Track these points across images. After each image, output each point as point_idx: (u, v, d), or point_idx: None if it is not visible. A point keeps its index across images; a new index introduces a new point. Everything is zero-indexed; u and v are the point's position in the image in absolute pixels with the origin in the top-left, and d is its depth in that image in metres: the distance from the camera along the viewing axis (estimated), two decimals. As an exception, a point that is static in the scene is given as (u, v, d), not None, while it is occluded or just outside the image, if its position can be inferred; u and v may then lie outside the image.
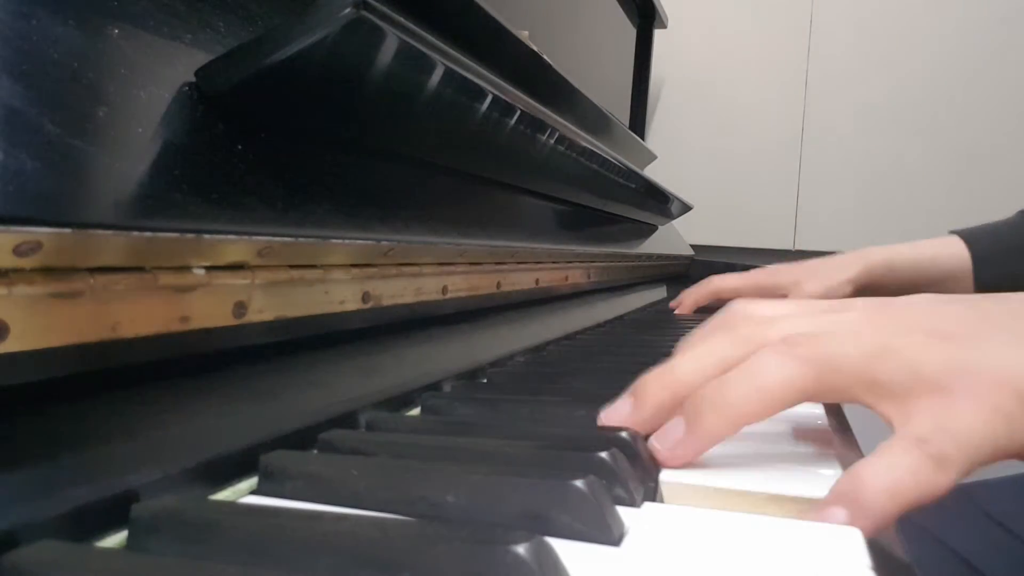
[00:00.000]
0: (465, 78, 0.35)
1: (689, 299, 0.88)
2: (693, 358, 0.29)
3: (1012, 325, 0.26)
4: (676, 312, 0.89)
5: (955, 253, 0.81)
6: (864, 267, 0.80)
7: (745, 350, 0.28)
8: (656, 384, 0.29)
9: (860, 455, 0.32)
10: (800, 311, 0.31)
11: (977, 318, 0.27)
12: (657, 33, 1.33)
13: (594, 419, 0.31)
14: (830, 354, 0.26)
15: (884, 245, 0.85)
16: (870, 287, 0.80)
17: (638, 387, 0.29)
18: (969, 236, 0.82)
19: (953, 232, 0.83)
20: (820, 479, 0.27)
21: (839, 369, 0.26)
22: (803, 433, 0.34)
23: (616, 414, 0.29)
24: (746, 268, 0.92)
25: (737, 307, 0.32)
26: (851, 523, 0.22)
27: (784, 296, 0.80)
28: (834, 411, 0.40)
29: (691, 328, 0.34)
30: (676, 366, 0.29)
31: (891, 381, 0.25)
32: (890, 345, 0.26)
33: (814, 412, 0.39)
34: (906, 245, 0.85)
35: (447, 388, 0.39)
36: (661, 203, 0.94)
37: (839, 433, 0.35)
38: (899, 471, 0.23)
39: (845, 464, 0.30)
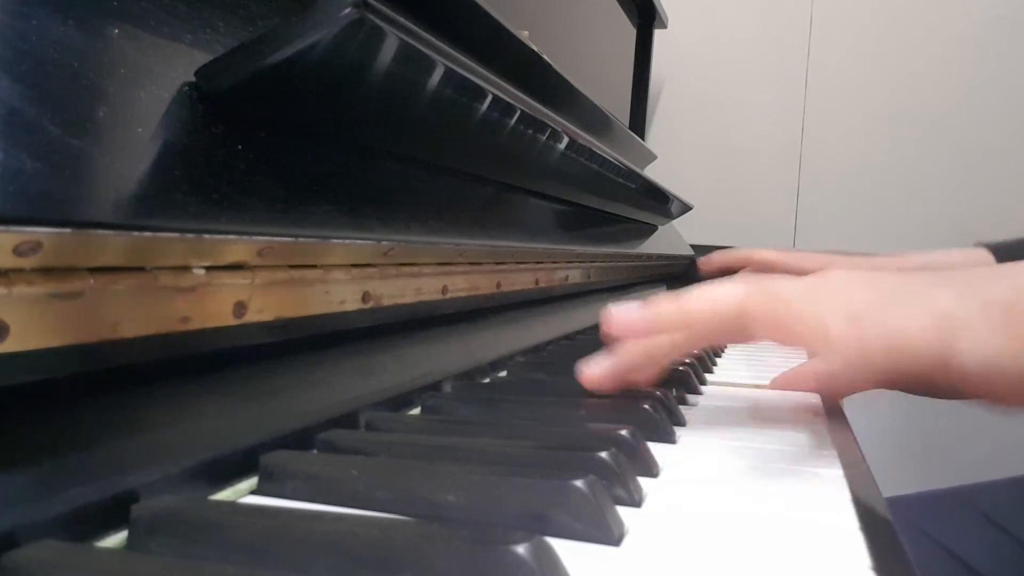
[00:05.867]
0: (465, 78, 0.35)
1: (717, 260, 0.93)
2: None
3: (937, 281, 0.32)
4: (700, 267, 0.96)
5: (984, 264, 0.83)
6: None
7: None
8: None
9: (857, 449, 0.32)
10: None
11: (877, 296, 0.33)
12: (657, 33, 1.32)
13: (594, 419, 0.31)
14: (764, 290, 0.35)
15: (917, 249, 0.86)
16: None
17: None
18: (997, 249, 0.83)
19: (979, 244, 0.85)
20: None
21: (766, 301, 0.34)
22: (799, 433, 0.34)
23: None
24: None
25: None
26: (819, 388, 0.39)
27: None
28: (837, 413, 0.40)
29: None
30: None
31: (801, 330, 0.34)
32: (806, 311, 0.34)
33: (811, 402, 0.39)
34: (940, 252, 0.87)
35: (447, 388, 0.39)
36: (661, 203, 0.94)
37: (837, 432, 0.35)
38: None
39: (844, 460, 0.30)
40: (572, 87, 0.65)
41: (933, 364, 0.29)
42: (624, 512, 0.22)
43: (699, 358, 0.52)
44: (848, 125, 1.48)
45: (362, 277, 0.34)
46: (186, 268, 0.24)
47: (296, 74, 0.26)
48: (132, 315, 0.22)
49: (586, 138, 0.57)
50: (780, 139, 1.51)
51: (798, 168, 1.51)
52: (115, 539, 0.20)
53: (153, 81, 0.23)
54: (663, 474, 0.28)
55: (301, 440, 0.27)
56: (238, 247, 0.25)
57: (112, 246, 0.21)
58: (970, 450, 1.36)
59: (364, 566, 0.17)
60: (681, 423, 0.36)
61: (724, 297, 0.35)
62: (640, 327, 0.36)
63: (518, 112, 0.44)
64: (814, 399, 0.43)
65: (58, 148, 0.19)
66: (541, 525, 0.20)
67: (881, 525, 0.23)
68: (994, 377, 0.27)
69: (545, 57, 0.57)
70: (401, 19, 0.28)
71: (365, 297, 0.34)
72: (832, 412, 0.40)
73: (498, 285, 0.51)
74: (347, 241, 0.31)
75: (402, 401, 0.35)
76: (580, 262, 0.71)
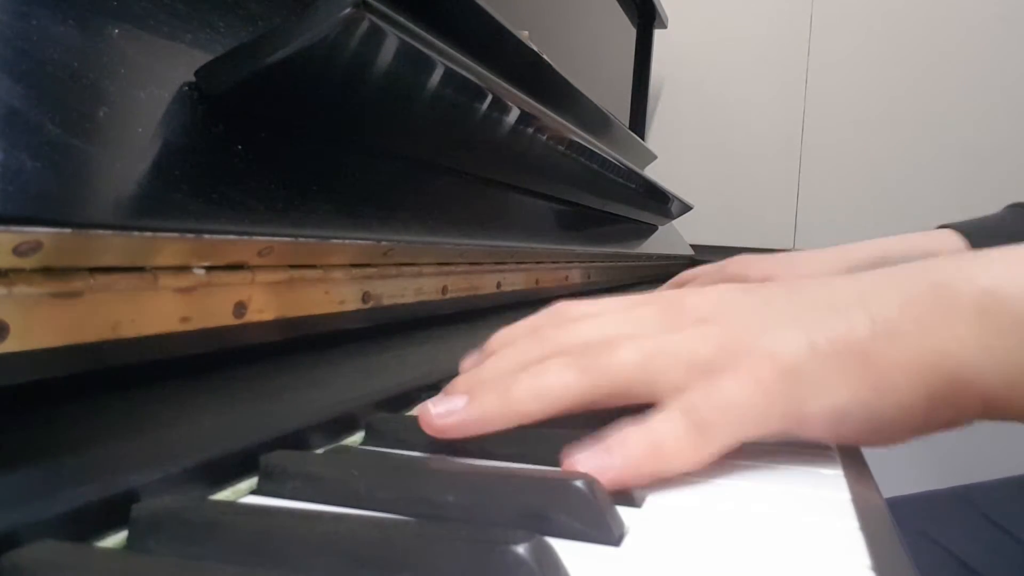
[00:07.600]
0: (465, 78, 0.35)
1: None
2: (499, 360, 0.30)
3: (790, 311, 0.27)
4: None
5: (951, 246, 0.78)
6: (847, 267, 0.74)
7: (542, 352, 0.29)
8: (464, 384, 0.29)
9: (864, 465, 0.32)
10: (607, 310, 0.32)
11: (759, 306, 0.28)
12: (657, 33, 1.32)
13: (595, 419, 0.31)
14: (608, 363, 0.27)
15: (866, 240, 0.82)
16: None
17: (449, 386, 0.30)
18: (965, 229, 0.78)
19: (943, 226, 0.80)
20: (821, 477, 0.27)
21: (615, 377, 0.27)
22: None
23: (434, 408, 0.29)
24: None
25: (553, 308, 0.33)
26: (604, 473, 0.23)
27: None
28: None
29: None
30: (483, 368, 0.30)
31: (667, 378, 0.27)
32: (666, 345, 0.27)
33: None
34: (894, 239, 0.81)
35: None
36: (661, 203, 0.94)
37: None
38: (662, 434, 0.25)
39: (844, 459, 0.30)
40: (572, 87, 0.65)
41: (775, 428, 0.26)
42: (624, 512, 0.22)
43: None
44: (848, 125, 1.48)
45: (362, 277, 0.34)
46: (186, 268, 0.24)
47: (296, 74, 0.26)
48: (132, 315, 0.22)
49: (586, 138, 0.57)
50: (780, 139, 1.52)
51: (798, 168, 1.51)
52: (115, 539, 0.20)
53: (153, 81, 0.23)
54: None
55: (301, 440, 0.27)
56: (238, 247, 0.25)
57: (112, 246, 0.21)
58: (970, 450, 1.36)
59: (364, 566, 0.17)
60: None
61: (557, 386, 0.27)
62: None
63: (518, 112, 0.44)
64: None
65: (58, 148, 0.19)
66: (541, 525, 0.20)
67: (881, 525, 0.23)
68: (844, 426, 0.26)
69: (545, 57, 0.57)
70: (401, 19, 0.28)
71: (365, 297, 0.34)
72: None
73: (498, 285, 0.51)
74: (347, 241, 0.31)
75: (402, 401, 0.35)
76: (580, 262, 0.71)
